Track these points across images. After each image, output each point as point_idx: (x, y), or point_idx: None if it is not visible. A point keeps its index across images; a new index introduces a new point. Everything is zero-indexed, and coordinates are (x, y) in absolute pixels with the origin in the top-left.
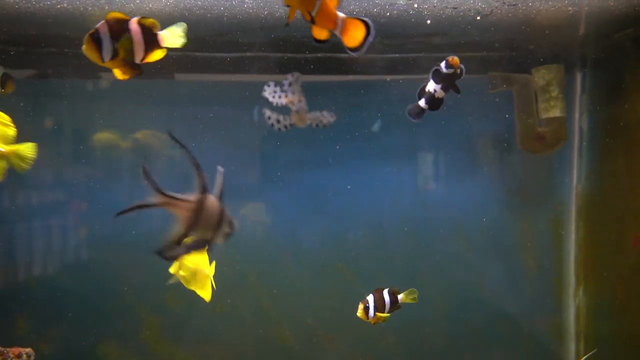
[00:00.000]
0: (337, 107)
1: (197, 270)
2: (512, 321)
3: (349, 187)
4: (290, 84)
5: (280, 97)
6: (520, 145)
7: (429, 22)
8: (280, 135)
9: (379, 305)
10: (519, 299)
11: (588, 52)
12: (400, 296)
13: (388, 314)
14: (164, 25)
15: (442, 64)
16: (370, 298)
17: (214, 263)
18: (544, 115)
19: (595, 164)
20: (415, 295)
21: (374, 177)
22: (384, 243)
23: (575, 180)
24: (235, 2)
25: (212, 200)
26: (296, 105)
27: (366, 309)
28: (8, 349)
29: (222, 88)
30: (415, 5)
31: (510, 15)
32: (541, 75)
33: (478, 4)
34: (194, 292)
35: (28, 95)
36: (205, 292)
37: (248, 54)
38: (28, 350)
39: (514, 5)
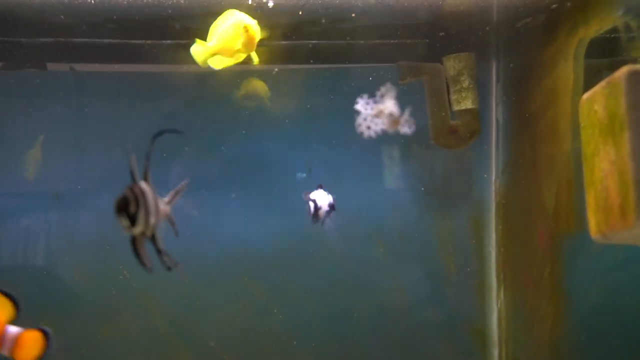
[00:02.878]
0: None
1: None
2: (433, 330)
3: (233, 195)
4: (382, 95)
5: (372, 108)
6: (433, 140)
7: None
8: None
9: None
10: (441, 305)
11: (501, 39)
12: None
13: None
14: None
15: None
16: None
17: None
18: (456, 108)
19: (509, 158)
20: None
21: (282, 179)
22: (293, 252)
23: (493, 175)
24: None
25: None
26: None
27: None
28: None
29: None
30: None
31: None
32: (451, 65)
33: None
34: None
35: None
36: None
37: None
38: None
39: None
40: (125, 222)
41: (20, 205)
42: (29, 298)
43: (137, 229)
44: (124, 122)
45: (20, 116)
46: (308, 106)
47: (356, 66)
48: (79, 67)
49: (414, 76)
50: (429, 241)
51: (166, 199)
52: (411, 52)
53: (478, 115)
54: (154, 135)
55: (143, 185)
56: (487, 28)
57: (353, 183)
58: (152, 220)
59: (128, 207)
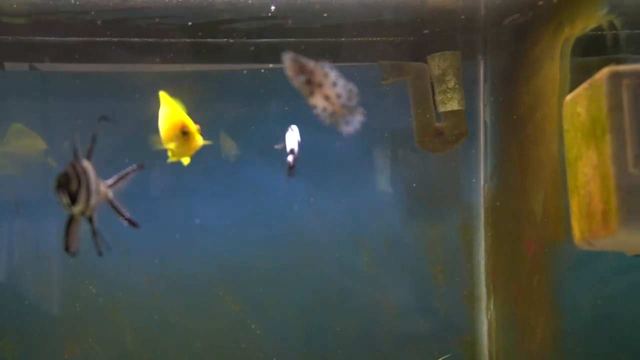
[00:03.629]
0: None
1: None
2: (421, 343)
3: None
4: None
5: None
6: (418, 143)
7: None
8: None
9: None
10: (428, 317)
11: (488, 37)
12: None
13: None
14: None
15: None
16: None
17: None
18: (442, 109)
19: (497, 162)
20: None
21: (257, 183)
22: (272, 262)
23: (482, 180)
24: None
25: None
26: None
27: None
28: None
29: None
30: None
31: None
32: (436, 64)
33: None
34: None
35: None
36: None
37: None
38: None
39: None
40: (65, 199)
41: None
42: None
43: (77, 208)
44: (89, 125)
45: None
46: (286, 108)
47: (335, 65)
48: (41, 66)
49: (397, 76)
50: (416, 249)
51: (108, 181)
52: (394, 50)
53: (465, 117)
54: (99, 118)
55: (86, 163)
56: (474, 25)
57: (335, 189)
58: (94, 200)
59: (69, 185)
